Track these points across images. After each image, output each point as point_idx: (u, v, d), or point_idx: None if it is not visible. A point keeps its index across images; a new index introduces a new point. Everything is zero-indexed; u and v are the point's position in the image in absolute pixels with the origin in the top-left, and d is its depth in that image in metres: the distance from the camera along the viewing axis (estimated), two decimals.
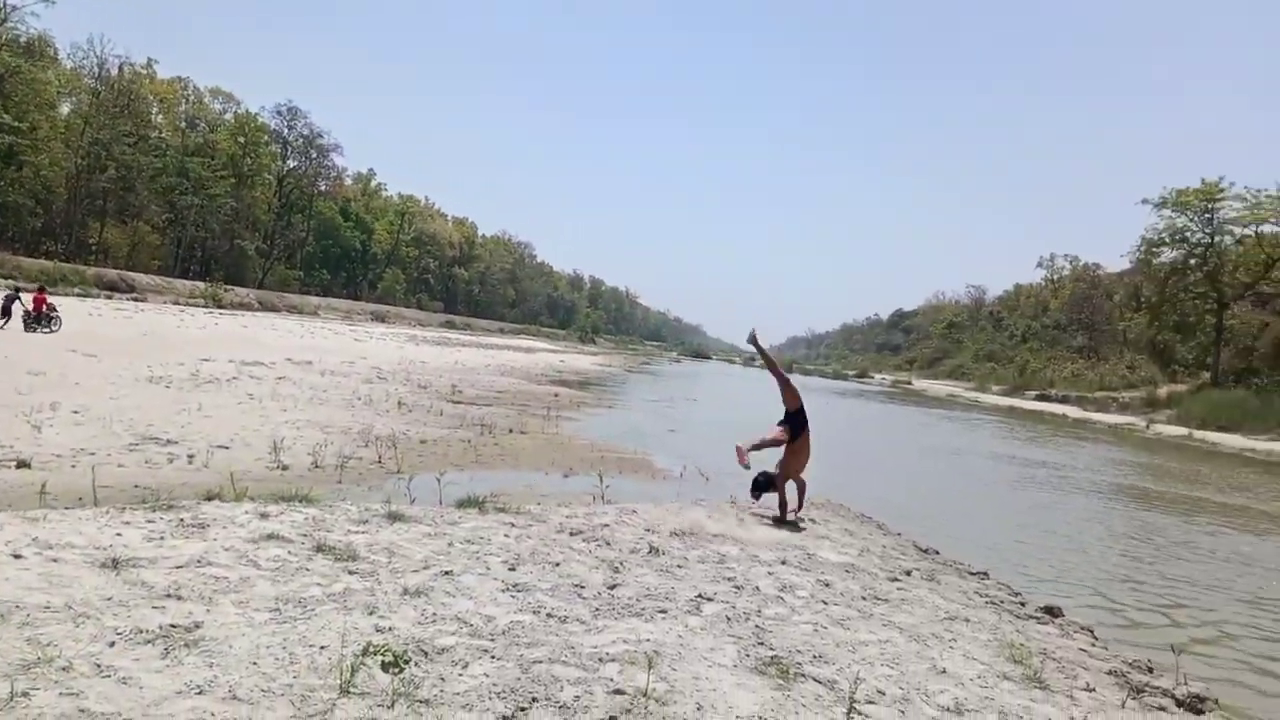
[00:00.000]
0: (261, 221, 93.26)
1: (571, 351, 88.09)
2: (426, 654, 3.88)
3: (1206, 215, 59.08)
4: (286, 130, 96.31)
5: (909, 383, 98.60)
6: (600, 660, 4.01)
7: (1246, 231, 58.64)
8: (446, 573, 5.01)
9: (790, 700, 3.92)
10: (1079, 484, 22.37)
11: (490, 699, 3.48)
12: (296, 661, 3.67)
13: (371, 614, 4.30)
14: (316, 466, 12.21)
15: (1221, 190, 57.71)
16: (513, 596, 4.77)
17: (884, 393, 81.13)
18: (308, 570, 4.90)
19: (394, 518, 6.17)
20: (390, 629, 4.10)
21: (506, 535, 6.15)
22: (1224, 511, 18.87)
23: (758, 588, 5.90)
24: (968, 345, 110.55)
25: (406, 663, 3.73)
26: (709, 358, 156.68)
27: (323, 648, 3.83)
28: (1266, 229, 57.58)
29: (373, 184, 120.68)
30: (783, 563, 6.89)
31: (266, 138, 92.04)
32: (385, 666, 3.66)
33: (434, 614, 4.35)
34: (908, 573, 7.59)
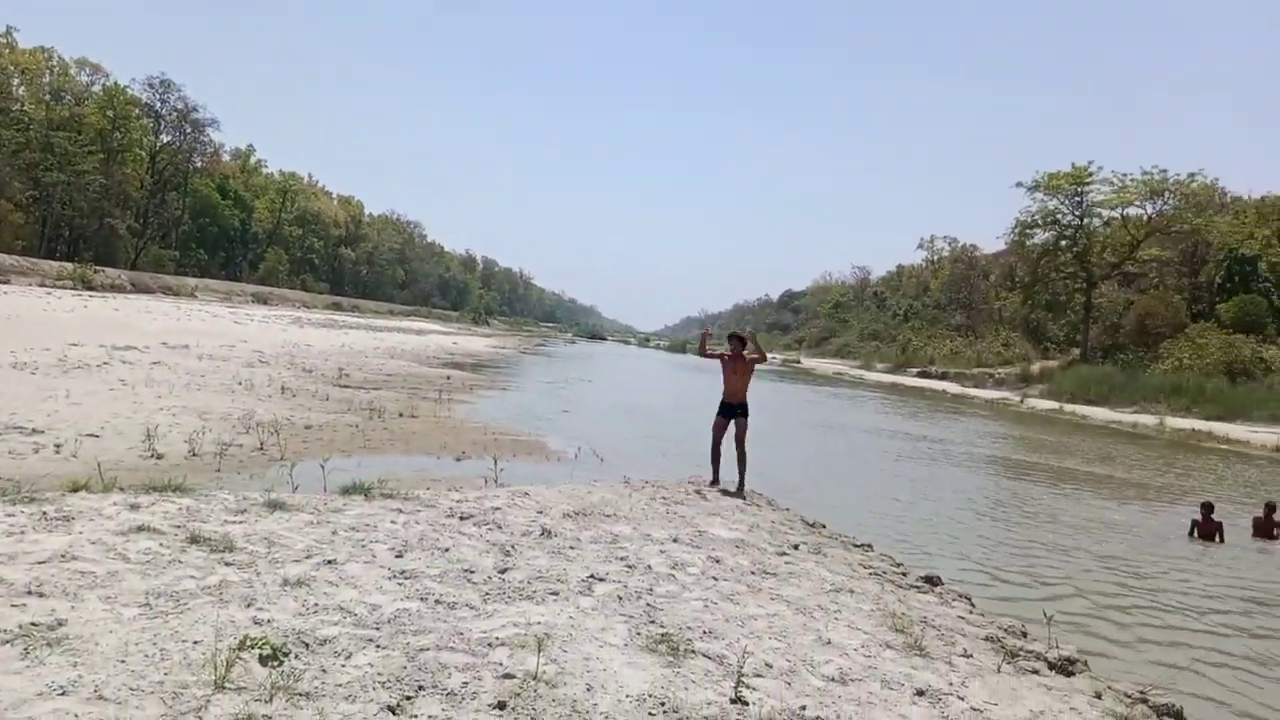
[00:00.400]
0: (133, 199, 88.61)
1: (464, 333, 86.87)
2: (307, 645, 3.76)
3: (1076, 198, 61.98)
4: (159, 104, 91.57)
5: (798, 361, 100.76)
6: (490, 645, 3.97)
7: (1113, 214, 61.81)
8: (330, 562, 4.87)
9: (680, 677, 3.95)
10: (957, 457, 23.27)
11: (374, 689, 3.40)
12: (168, 658, 3.51)
13: (249, 606, 4.14)
14: (193, 455, 11.73)
15: (1090, 174, 60.60)
16: (399, 584, 4.66)
17: (774, 371, 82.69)
18: (181, 562, 4.69)
19: (274, 506, 5.96)
20: (269, 621, 3.96)
21: (393, 522, 6.01)
22: (1090, 480, 19.92)
23: (650, 566, 5.93)
24: (853, 324, 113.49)
25: (286, 655, 3.61)
26: (604, 339, 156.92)
27: (196, 642, 3.68)
28: (1131, 212, 60.83)
29: (252, 160, 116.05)
30: (675, 540, 6.95)
31: (138, 111, 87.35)
32: (263, 660, 3.54)
33: (316, 604, 4.22)
34: (795, 547, 7.76)
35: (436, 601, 4.47)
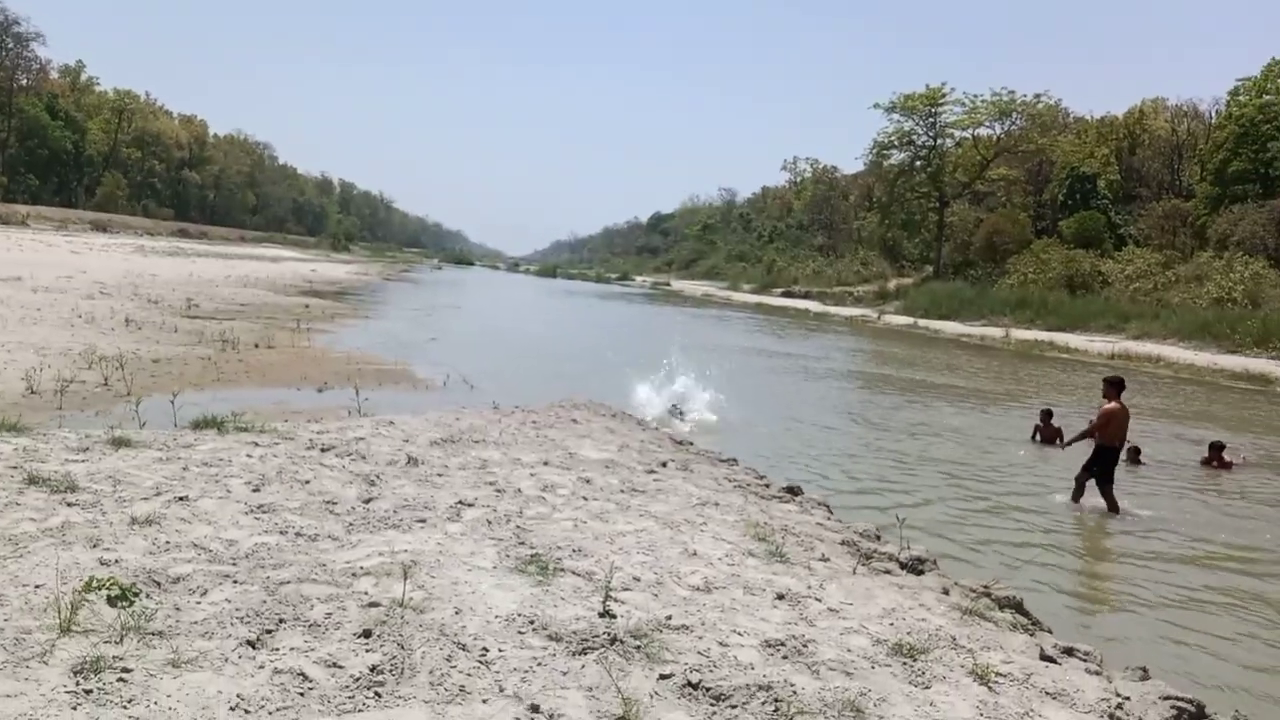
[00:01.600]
0: None
1: (323, 260, 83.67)
2: (159, 584, 3.62)
3: (930, 119, 63.94)
4: None
5: (668, 284, 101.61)
6: (354, 575, 3.90)
7: (965, 135, 64.13)
8: (181, 498, 4.67)
9: (549, 595, 3.99)
10: (818, 372, 24.10)
11: (233, 624, 3.30)
12: (7, 603, 3.32)
13: (95, 547, 3.94)
14: (31, 393, 11.03)
15: (943, 95, 62.51)
16: (257, 519, 4.52)
17: (645, 294, 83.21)
18: (18, 505, 4.41)
19: (119, 443, 5.65)
20: (117, 562, 3.78)
21: (249, 455, 5.80)
22: (937, 390, 20.96)
23: (520, 490, 5.94)
24: (720, 246, 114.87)
25: (136, 595, 3.46)
26: (472, 264, 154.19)
27: (38, 586, 3.49)
28: (982, 132, 63.22)
29: (83, 78, 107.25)
30: (545, 464, 6.98)
31: None
32: (112, 601, 3.39)
33: (168, 542, 4.05)
34: (664, 464, 7.91)
35: (297, 534, 4.36)
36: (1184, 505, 11.00)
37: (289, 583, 3.73)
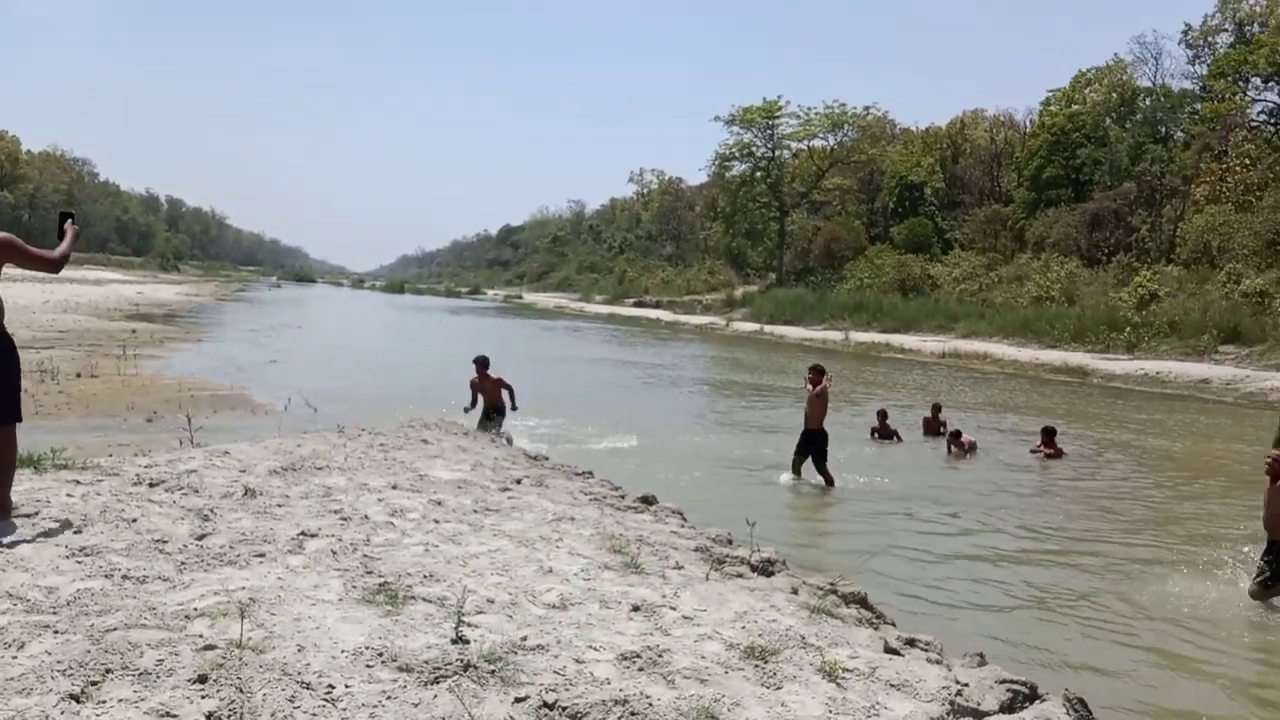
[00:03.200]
0: None
1: (150, 281, 79.17)
2: None
3: (768, 131, 66.10)
4: None
5: (520, 297, 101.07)
6: (187, 617, 3.68)
7: (801, 146, 66.59)
8: None
9: (399, 624, 3.89)
10: (669, 379, 24.47)
11: (53, 678, 3.06)
12: None
13: None
14: None
15: (780, 108, 64.75)
16: (79, 562, 4.20)
17: (497, 308, 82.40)
18: None
19: None
20: None
21: (70, 495, 5.40)
22: (779, 392, 21.61)
23: (366, 516, 5.76)
24: (571, 258, 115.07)
25: None
26: (314, 281, 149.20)
27: None
28: (816, 143, 65.79)
29: None
30: (394, 487, 6.79)
31: None
32: None
33: None
34: (518, 481, 7.84)
35: (124, 577, 4.08)
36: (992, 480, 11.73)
37: (116, 629, 3.49)
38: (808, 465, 11.37)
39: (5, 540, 4.40)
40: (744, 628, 4.44)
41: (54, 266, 4.89)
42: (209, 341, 28.50)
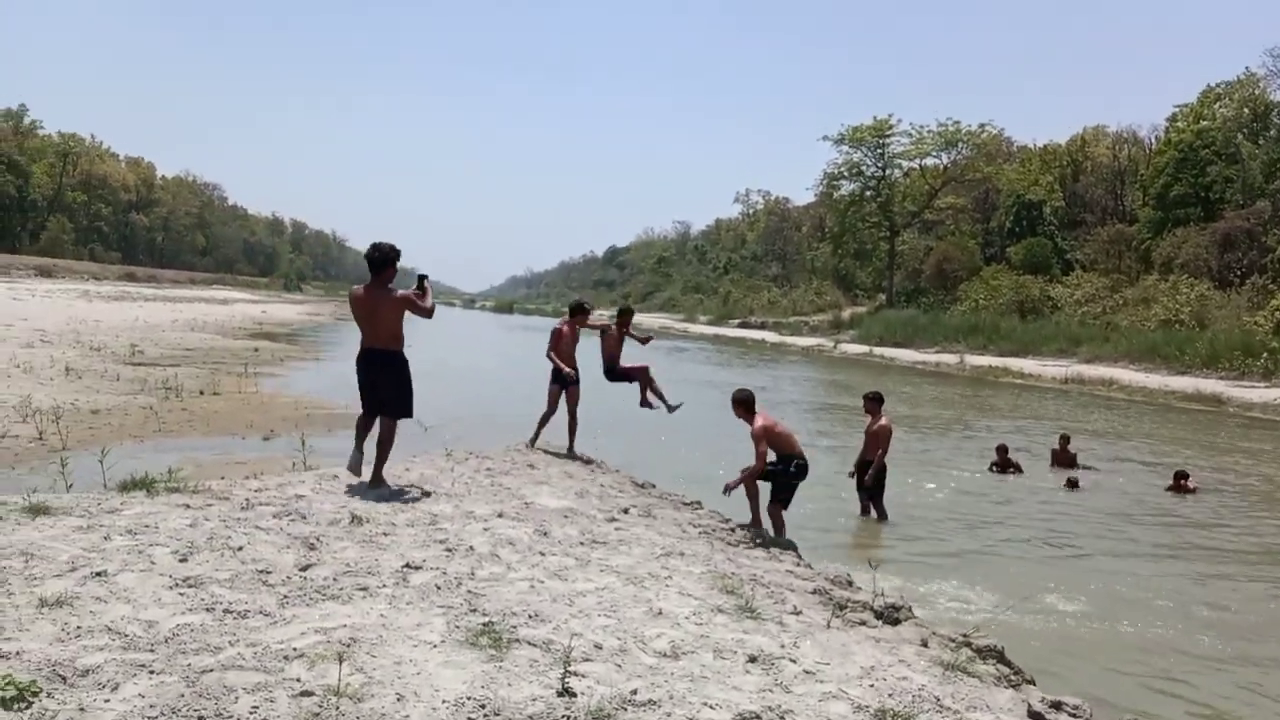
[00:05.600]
0: None
1: (274, 301, 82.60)
2: (65, 679, 3.23)
3: (878, 150, 64.83)
4: None
5: None
6: (285, 658, 3.53)
7: (912, 164, 65.08)
8: (99, 574, 4.26)
9: (503, 671, 3.66)
10: (774, 404, 23.92)
11: None
12: None
13: None
14: None
15: (890, 127, 63.48)
16: (181, 594, 4.12)
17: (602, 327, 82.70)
18: None
19: (36, 511, 5.21)
20: (18, 654, 3.38)
21: (180, 520, 5.38)
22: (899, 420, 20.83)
23: (472, 547, 5.59)
24: (676, 279, 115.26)
25: (36, 694, 3.07)
26: None
27: None
28: (929, 162, 64.21)
29: (26, 121, 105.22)
30: (499, 516, 6.63)
31: None
32: (7, 703, 3.00)
33: (79, 627, 3.65)
34: (625, 510, 7.59)
35: (225, 611, 3.97)
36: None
37: (212, 670, 3.36)
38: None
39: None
40: (872, 685, 4.07)
41: (429, 314, 7.15)
42: (328, 360, 29.28)
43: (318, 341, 38.19)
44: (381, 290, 6.99)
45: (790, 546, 7.76)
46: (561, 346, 10.27)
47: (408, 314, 7.01)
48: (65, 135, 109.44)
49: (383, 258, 7.02)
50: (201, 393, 16.84)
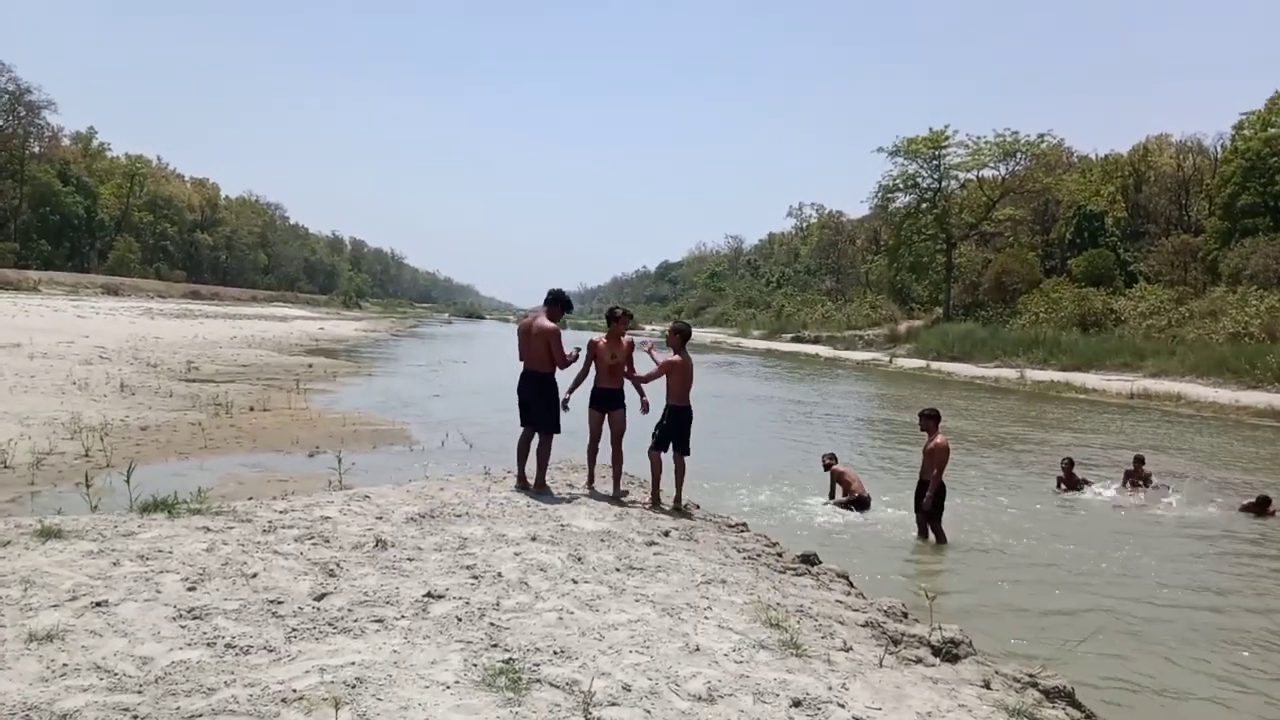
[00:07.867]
0: None
1: (333, 318, 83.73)
2: None
3: (934, 161, 63.71)
4: None
5: None
6: (283, 701, 3.26)
7: (969, 176, 63.82)
8: (99, 604, 4.03)
9: (518, 718, 3.34)
10: (830, 420, 23.36)
11: None
12: None
13: None
14: (4, 467, 10.52)
15: (946, 138, 62.32)
16: (183, 626, 3.88)
17: (655, 342, 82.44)
18: None
19: (47, 535, 5.02)
20: None
21: (197, 544, 5.16)
22: (962, 437, 20.19)
23: (500, 574, 5.29)
24: (729, 293, 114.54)
25: None
26: (483, 317, 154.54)
27: None
28: (986, 173, 62.93)
29: (95, 144, 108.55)
30: (533, 539, 6.33)
31: None
32: None
33: (65, 665, 3.42)
34: (666, 533, 7.25)
35: (227, 646, 3.71)
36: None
37: (200, 716, 3.09)
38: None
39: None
40: None
41: (562, 365, 8.40)
42: (379, 375, 29.40)
43: (372, 357, 38.44)
44: (542, 321, 8.12)
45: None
46: (601, 362, 8.61)
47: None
48: (132, 157, 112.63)
49: (553, 298, 8.26)
50: (251, 409, 16.88)
